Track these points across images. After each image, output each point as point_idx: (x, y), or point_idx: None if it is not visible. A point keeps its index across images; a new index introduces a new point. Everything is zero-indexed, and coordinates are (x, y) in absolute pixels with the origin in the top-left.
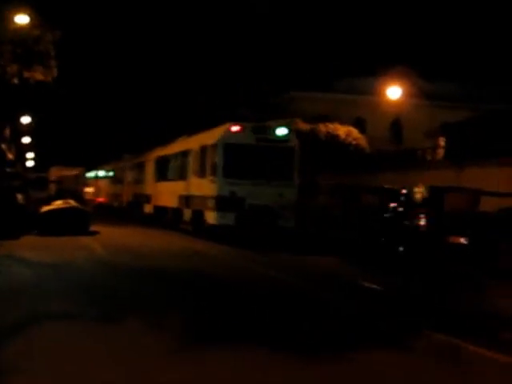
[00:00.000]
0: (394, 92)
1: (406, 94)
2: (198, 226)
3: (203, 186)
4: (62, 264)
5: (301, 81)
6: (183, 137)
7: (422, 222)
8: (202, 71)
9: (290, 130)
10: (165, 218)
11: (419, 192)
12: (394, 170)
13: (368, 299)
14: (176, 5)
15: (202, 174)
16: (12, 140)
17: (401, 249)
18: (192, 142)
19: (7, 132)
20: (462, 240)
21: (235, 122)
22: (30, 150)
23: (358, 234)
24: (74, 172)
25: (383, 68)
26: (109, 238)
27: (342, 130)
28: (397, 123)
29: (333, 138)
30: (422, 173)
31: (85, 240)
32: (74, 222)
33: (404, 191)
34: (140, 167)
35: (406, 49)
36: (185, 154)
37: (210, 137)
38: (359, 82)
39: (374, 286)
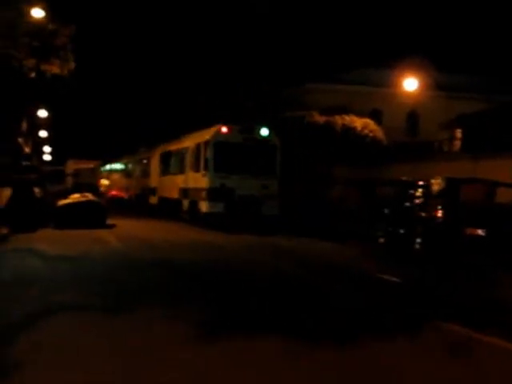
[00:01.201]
0: (410, 83)
1: (421, 86)
2: (193, 215)
3: (198, 180)
4: (78, 256)
5: (316, 73)
6: (184, 135)
7: (439, 214)
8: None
9: (271, 131)
10: (168, 209)
11: (436, 184)
12: (410, 162)
13: (383, 290)
14: (178, 4)
15: (196, 168)
16: (28, 134)
17: (418, 240)
18: (189, 141)
19: (24, 126)
20: (479, 232)
21: (224, 124)
22: (47, 144)
23: (374, 225)
24: (90, 165)
25: (399, 59)
26: (124, 230)
27: (358, 122)
28: (413, 115)
29: (349, 130)
30: (439, 164)
31: (101, 233)
32: (91, 216)
33: (421, 183)
34: (147, 162)
35: (421, 40)
36: (183, 150)
37: (203, 136)
38: (375, 74)
39: (389, 278)
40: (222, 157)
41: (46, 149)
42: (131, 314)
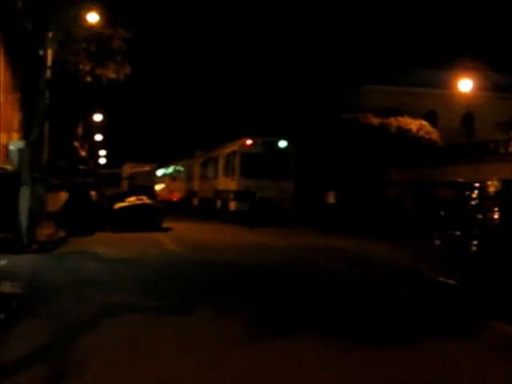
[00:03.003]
0: (465, 84)
1: (477, 87)
2: (224, 213)
3: (228, 183)
4: (135, 259)
5: (370, 75)
6: (218, 146)
7: (495, 216)
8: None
9: (289, 143)
10: (205, 208)
11: (492, 185)
12: (466, 164)
13: (438, 292)
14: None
15: (227, 174)
16: (84, 137)
17: (474, 242)
18: (221, 151)
19: (80, 130)
20: None
21: (250, 137)
22: (102, 148)
23: (430, 227)
24: (146, 168)
25: (454, 60)
26: (179, 233)
27: (413, 124)
28: (468, 116)
29: (404, 132)
30: (495, 166)
31: (156, 235)
32: (147, 219)
33: (477, 185)
34: (190, 168)
35: (476, 40)
36: (217, 159)
37: (232, 147)
38: (429, 75)
39: (445, 279)
40: (247, 165)
41: (102, 152)
42: (188, 314)
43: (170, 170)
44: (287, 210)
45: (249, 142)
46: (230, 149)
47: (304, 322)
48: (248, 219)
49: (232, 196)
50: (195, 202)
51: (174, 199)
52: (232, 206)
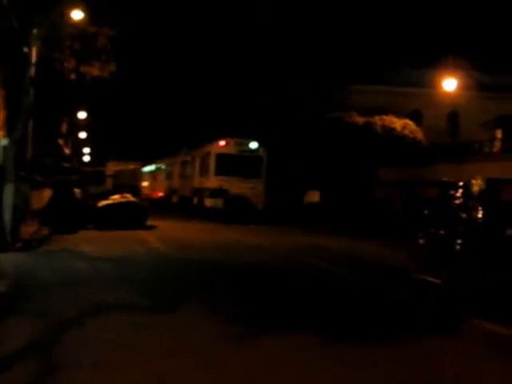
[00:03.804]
0: (450, 84)
1: (462, 86)
2: (200, 209)
3: (203, 182)
4: (120, 257)
5: (357, 74)
6: (195, 147)
7: (479, 215)
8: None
9: (260, 144)
10: (183, 205)
11: (476, 184)
12: (451, 163)
13: (422, 290)
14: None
15: (202, 173)
16: (68, 135)
17: (458, 241)
18: (198, 151)
19: (64, 127)
20: None
21: (223, 138)
22: (87, 145)
23: (414, 226)
24: (130, 166)
25: (439, 60)
26: (163, 231)
27: (398, 123)
28: (453, 115)
29: (389, 130)
30: (480, 165)
31: (141, 234)
32: (131, 217)
33: (461, 184)
34: (172, 166)
35: (461, 40)
36: (194, 158)
37: (208, 148)
38: (415, 74)
39: (428, 278)
40: (221, 164)
41: (86, 150)
42: (174, 312)
43: (153, 168)
44: (257, 206)
45: (222, 143)
46: (205, 149)
47: (295, 320)
48: (221, 215)
49: (207, 193)
50: (175, 199)
51: (156, 197)
52: (207, 202)
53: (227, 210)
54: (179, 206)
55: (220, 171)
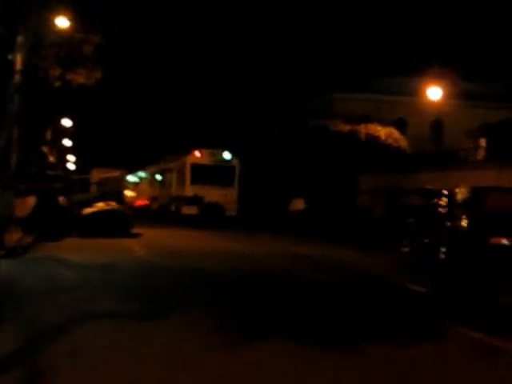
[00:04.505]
0: (434, 92)
1: (446, 94)
2: (177, 216)
3: (180, 190)
4: (105, 264)
5: (341, 82)
6: (171, 158)
7: (463, 223)
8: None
9: (233, 155)
10: (162, 213)
11: (460, 192)
12: (435, 171)
13: (406, 299)
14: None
15: (179, 181)
16: (53, 142)
17: (442, 250)
18: (174, 162)
19: (48, 135)
20: (504, 241)
21: (198, 149)
22: (71, 153)
23: (398, 234)
24: (115, 174)
25: (423, 68)
26: (148, 239)
27: (382, 132)
28: (437, 123)
29: (373, 139)
30: (464, 173)
31: (126, 242)
32: (116, 224)
33: (445, 192)
34: (152, 177)
35: (445, 48)
36: (171, 168)
37: (184, 159)
38: (400, 83)
39: (412, 286)
40: (196, 174)
41: (70, 157)
42: (161, 319)
43: (136, 176)
44: (230, 212)
45: (197, 154)
46: (182, 160)
47: (281, 328)
48: (197, 221)
49: (183, 201)
50: (154, 206)
51: (139, 205)
52: (184, 209)
53: (202, 216)
54: (158, 213)
55: (195, 180)
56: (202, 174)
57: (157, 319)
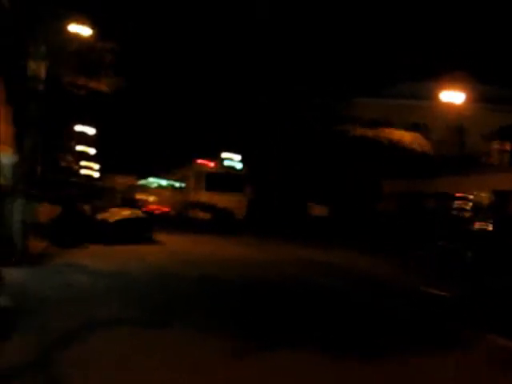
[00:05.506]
0: (454, 96)
1: (466, 98)
2: (193, 221)
3: (196, 197)
4: (121, 273)
5: (361, 86)
6: (186, 167)
7: (488, 227)
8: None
9: (244, 164)
10: (181, 219)
11: (485, 197)
12: (458, 175)
13: (429, 304)
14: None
15: (195, 189)
16: (75, 150)
17: (469, 254)
18: (189, 171)
19: (73, 143)
20: None
21: (212, 160)
22: (93, 160)
23: (421, 238)
24: (133, 181)
25: (443, 72)
26: (170, 245)
27: (407, 137)
28: (458, 128)
29: (397, 143)
30: (486, 177)
31: (151, 249)
32: (140, 231)
33: (470, 197)
34: (172, 184)
35: (465, 52)
36: (188, 177)
37: (199, 167)
38: (419, 87)
39: (435, 291)
40: (210, 182)
41: (93, 165)
42: (170, 327)
43: (156, 183)
44: (238, 216)
45: (212, 164)
46: (195, 169)
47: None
48: (211, 225)
49: (198, 207)
50: (172, 212)
51: (160, 211)
52: (199, 215)
53: (215, 221)
54: (176, 218)
55: (209, 188)
56: (214, 182)
57: (167, 327)
